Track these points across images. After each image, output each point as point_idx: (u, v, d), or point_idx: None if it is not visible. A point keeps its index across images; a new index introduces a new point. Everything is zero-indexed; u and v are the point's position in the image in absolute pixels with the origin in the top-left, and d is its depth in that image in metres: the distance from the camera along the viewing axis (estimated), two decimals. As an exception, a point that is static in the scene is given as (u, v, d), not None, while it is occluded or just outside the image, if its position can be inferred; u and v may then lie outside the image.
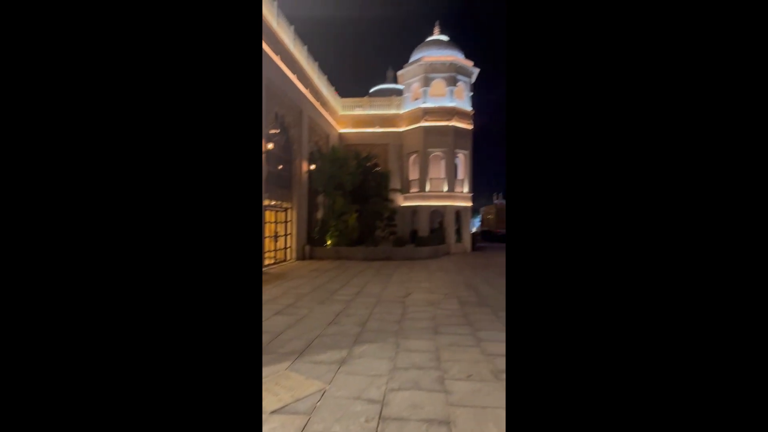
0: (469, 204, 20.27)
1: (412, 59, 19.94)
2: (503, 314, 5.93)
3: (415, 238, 17.85)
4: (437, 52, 19.36)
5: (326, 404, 2.89)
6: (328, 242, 15.36)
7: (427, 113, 19.00)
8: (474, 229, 29.04)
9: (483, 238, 33.11)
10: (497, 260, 15.42)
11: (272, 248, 13.24)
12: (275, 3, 12.75)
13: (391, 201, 18.50)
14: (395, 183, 19.78)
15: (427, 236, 17.83)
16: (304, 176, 15.28)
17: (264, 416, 2.69)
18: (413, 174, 20.13)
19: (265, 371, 3.52)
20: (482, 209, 44.43)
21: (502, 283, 9.30)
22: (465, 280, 9.65)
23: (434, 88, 19.24)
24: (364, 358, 3.91)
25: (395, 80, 22.65)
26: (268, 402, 2.90)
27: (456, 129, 18.93)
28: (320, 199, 16.76)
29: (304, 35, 15.52)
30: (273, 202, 13.29)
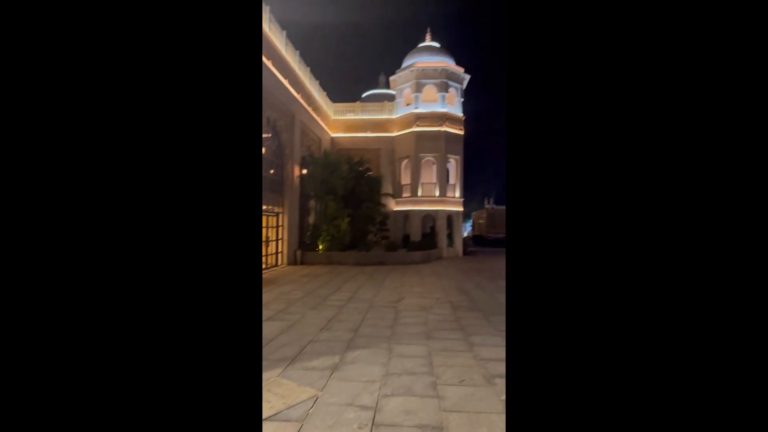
0: (461, 209, 20.38)
1: (404, 65, 20.09)
2: (495, 319, 5.96)
3: (407, 243, 17.87)
4: (429, 58, 19.54)
5: (319, 411, 2.87)
6: (320, 247, 15.29)
7: (419, 118, 19.13)
8: (465, 234, 29.20)
9: (474, 242, 33.29)
10: (488, 265, 15.51)
11: (263, 253, 13.13)
12: (267, 8, 12.77)
13: (384, 205, 18.52)
14: (387, 188, 19.82)
15: (419, 241, 17.86)
16: (296, 181, 15.22)
17: (255, 424, 2.66)
18: (405, 179, 20.19)
19: (257, 378, 3.47)
20: (473, 214, 44.73)
21: (493, 287, 9.35)
22: (457, 285, 9.68)
23: (426, 93, 19.39)
24: (356, 363, 3.89)
25: (387, 85, 22.77)
26: (260, 410, 2.87)
27: (447, 134, 19.08)
28: (312, 203, 16.70)
29: (295, 40, 15.55)
30: (264, 207, 13.21)
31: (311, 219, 16.71)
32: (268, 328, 5.28)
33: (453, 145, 19.41)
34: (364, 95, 25.29)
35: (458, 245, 19.91)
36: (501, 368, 3.77)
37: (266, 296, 7.86)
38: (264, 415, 2.78)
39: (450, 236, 19.65)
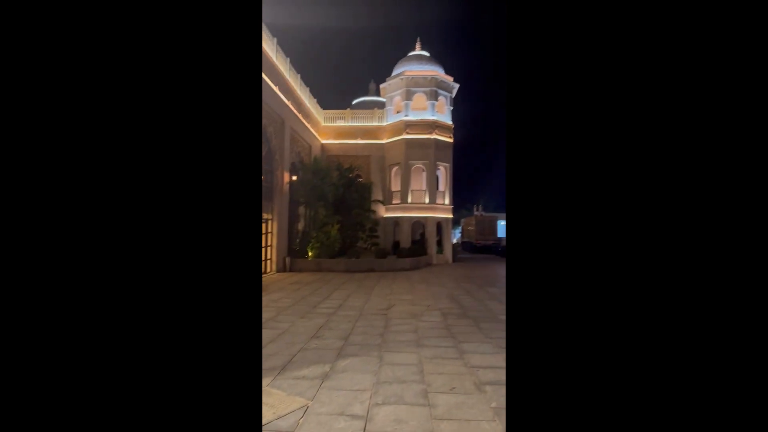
0: (450, 215, 20.52)
1: (394, 73, 20.27)
2: (485, 326, 5.99)
3: (397, 250, 17.87)
4: (419, 66, 19.77)
5: (309, 421, 2.84)
6: (310, 254, 15.19)
7: (409, 126, 19.27)
8: (455, 241, 29.37)
9: (464, 249, 33.48)
10: (478, 272, 15.60)
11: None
12: (258, 15, 12.77)
13: (374, 212, 18.52)
14: (377, 194, 19.85)
15: (409, 247, 17.89)
16: (286, 187, 15.14)
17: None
18: (395, 185, 20.26)
19: (246, 388, 3.42)
20: (463, 221, 45.05)
21: (483, 295, 9.41)
22: (447, 292, 9.71)
23: (416, 101, 19.58)
24: (347, 372, 3.87)
25: (377, 93, 22.93)
26: (249, 420, 2.83)
27: (437, 142, 19.25)
28: (301, 210, 16.61)
29: (285, 47, 15.59)
30: (253, 213, 13.06)
31: (301, 225, 16.60)
32: (256, 337, 5.21)
33: (442, 152, 19.58)
34: (354, 102, 25.39)
35: (448, 252, 19.99)
36: (491, 375, 3.79)
37: (255, 304, 7.75)
38: (253, 426, 2.74)
39: (440, 243, 19.73)
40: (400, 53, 22.58)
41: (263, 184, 13.96)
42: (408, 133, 19.27)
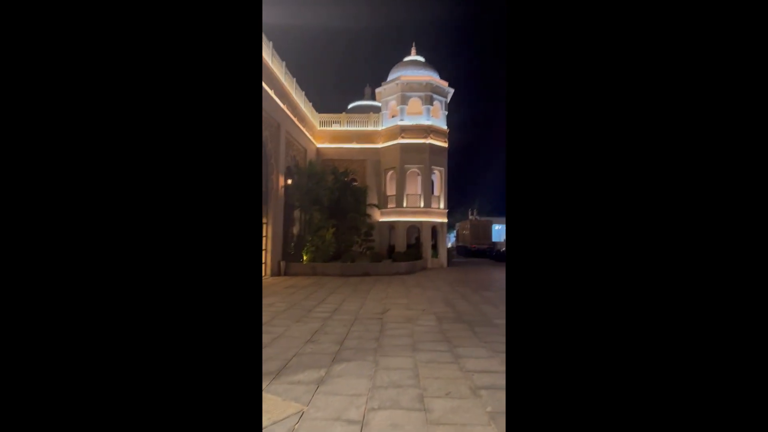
0: (445, 219, 20.58)
1: (389, 78, 20.38)
2: (480, 330, 6.01)
3: (392, 254, 17.88)
4: (414, 72, 19.89)
5: (305, 427, 2.83)
6: (305, 258, 15.14)
7: (404, 130, 19.36)
8: (450, 245, 29.43)
9: (458, 253, 33.56)
10: (473, 276, 15.65)
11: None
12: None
13: (369, 216, 18.51)
14: (373, 198, 19.86)
15: (405, 252, 17.91)
16: (281, 191, 15.11)
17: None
18: (391, 190, 20.30)
19: (241, 393, 3.40)
20: (458, 225, 45.18)
21: (478, 299, 9.44)
22: (442, 296, 9.73)
23: (411, 106, 19.68)
24: (342, 377, 3.86)
25: (373, 97, 23.02)
26: (244, 426, 2.81)
27: (432, 146, 19.35)
28: (296, 214, 16.57)
29: (282, 49, 15.62)
30: (248, 217, 13.01)
31: (296, 229, 16.56)
32: (251, 342, 5.18)
33: (437, 157, 19.68)
34: (349, 106, 25.46)
35: (443, 256, 20.03)
36: (486, 380, 3.81)
37: (249, 308, 7.71)
38: (248, 432, 2.72)
39: (435, 247, 19.78)
40: (395, 56, 22.68)
41: (258, 187, 13.90)
42: (403, 137, 19.35)
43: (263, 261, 14.01)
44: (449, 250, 22.64)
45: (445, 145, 20.12)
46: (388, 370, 4.06)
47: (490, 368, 4.16)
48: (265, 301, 8.71)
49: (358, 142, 20.83)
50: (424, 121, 19.32)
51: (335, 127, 21.04)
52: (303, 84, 18.13)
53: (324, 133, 20.87)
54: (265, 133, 13.99)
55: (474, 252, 31.92)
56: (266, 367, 4.16)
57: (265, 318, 6.79)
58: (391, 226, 19.66)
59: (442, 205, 20.05)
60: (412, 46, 21.34)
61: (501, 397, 3.37)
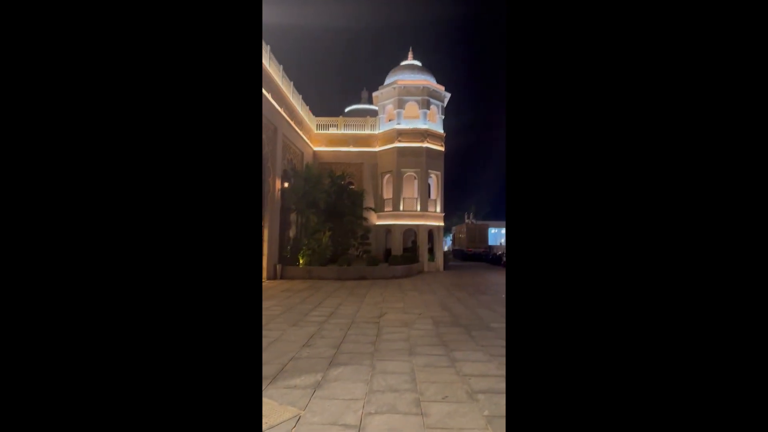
0: (442, 223, 20.62)
1: (386, 82, 20.46)
2: (476, 333, 6.02)
3: (388, 257, 17.86)
4: (411, 76, 19.99)
5: (301, 431, 2.82)
6: (301, 261, 15.08)
7: (401, 134, 19.42)
8: (446, 248, 29.47)
9: (455, 256, 33.59)
10: (469, 279, 15.66)
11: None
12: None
13: (365, 220, 18.52)
14: (369, 202, 19.88)
15: (401, 255, 17.90)
16: (277, 194, 15.07)
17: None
18: (387, 193, 20.32)
19: (237, 398, 3.38)
20: (454, 228, 45.26)
21: (474, 302, 9.45)
22: (438, 300, 9.73)
23: (408, 110, 19.76)
24: (339, 381, 3.85)
25: (370, 101, 23.08)
26: (240, 431, 2.79)
27: (429, 150, 19.42)
28: (293, 217, 16.53)
29: (279, 49, 15.65)
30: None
31: (292, 233, 16.51)
32: (247, 346, 5.15)
33: (434, 160, 19.75)
34: (346, 110, 25.51)
35: (439, 259, 20.04)
36: (483, 384, 3.81)
37: (245, 312, 7.67)
38: (245, 437, 2.71)
39: (431, 250, 19.79)
40: (393, 59, 22.74)
41: (255, 190, 13.86)
42: (400, 141, 19.41)
43: (259, 264, 13.93)
44: (446, 254, 22.66)
45: (442, 148, 20.20)
46: (384, 374, 4.05)
47: (487, 372, 4.17)
48: (261, 304, 8.65)
49: (355, 146, 20.86)
50: (421, 125, 19.40)
51: (332, 131, 21.06)
52: (300, 86, 18.18)
53: (321, 137, 20.88)
54: (262, 137, 13.98)
55: (470, 255, 31.97)
56: (262, 371, 4.14)
57: (261, 322, 6.75)
58: (388, 229, 19.66)
59: (438, 209, 20.09)
60: (409, 51, 21.46)
61: (498, 401, 3.37)
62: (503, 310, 8.31)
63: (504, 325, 6.63)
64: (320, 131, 20.90)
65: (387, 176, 20.28)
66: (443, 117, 20.54)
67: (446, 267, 21.18)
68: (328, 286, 12.15)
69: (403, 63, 21.09)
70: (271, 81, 14.64)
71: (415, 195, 19.47)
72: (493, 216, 47.27)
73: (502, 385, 3.75)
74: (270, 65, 14.52)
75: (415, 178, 19.60)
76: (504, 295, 10.66)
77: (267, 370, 4.18)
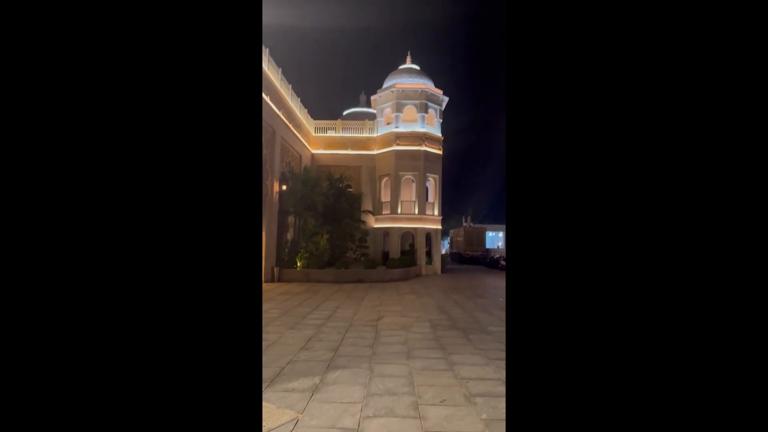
0: (439, 226, 20.65)
1: (385, 85, 20.54)
2: (474, 337, 6.03)
3: (386, 260, 17.86)
4: (409, 79, 20.08)
5: (299, 435, 2.81)
6: (298, 264, 15.06)
7: (399, 138, 19.47)
8: (444, 251, 29.49)
9: (452, 259, 33.61)
10: (466, 283, 15.67)
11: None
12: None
13: (363, 222, 18.52)
14: (367, 205, 19.89)
15: (399, 258, 17.91)
16: (275, 197, 15.07)
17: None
18: (385, 196, 20.34)
19: (234, 401, 3.37)
20: (452, 232, 45.30)
21: (472, 306, 9.46)
22: (436, 303, 9.73)
23: (406, 113, 19.83)
24: (337, 384, 3.85)
25: (368, 104, 23.15)
26: (238, 434, 2.78)
27: (427, 153, 19.48)
28: (291, 220, 16.51)
29: (277, 56, 15.70)
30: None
31: (290, 235, 16.49)
32: (245, 349, 5.13)
33: (432, 164, 19.81)
34: (345, 113, 25.56)
35: (437, 263, 20.06)
36: (481, 387, 3.81)
37: (243, 315, 7.64)
38: (242, 440, 2.70)
39: (429, 254, 19.80)
40: (392, 62, 22.85)
41: (253, 193, 13.84)
42: (398, 144, 19.46)
43: (257, 267, 13.89)
44: (443, 257, 22.68)
45: (440, 152, 20.27)
46: (382, 378, 4.05)
47: (485, 376, 4.17)
48: (258, 307, 8.63)
49: (353, 149, 20.89)
50: (419, 129, 19.46)
51: (330, 134, 21.09)
52: (298, 89, 18.22)
53: (319, 140, 20.91)
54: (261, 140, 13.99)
55: (468, 259, 32.01)
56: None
57: (258, 325, 6.73)
58: (386, 232, 19.67)
59: (436, 212, 20.13)
60: (407, 54, 21.57)
61: (496, 404, 3.38)
62: (501, 313, 8.32)
63: (501, 329, 6.64)
64: (318, 134, 20.93)
65: (385, 179, 20.32)
66: (441, 121, 20.63)
67: (444, 270, 21.18)
68: (325, 289, 12.13)
69: (402, 66, 21.19)
70: (270, 84, 14.68)
71: (413, 198, 19.51)
72: (491, 219, 47.42)
73: (500, 389, 3.76)
74: (269, 68, 14.56)
75: (413, 181, 19.65)
76: (501, 299, 10.68)
77: (265, 373, 4.17)
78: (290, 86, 17.12)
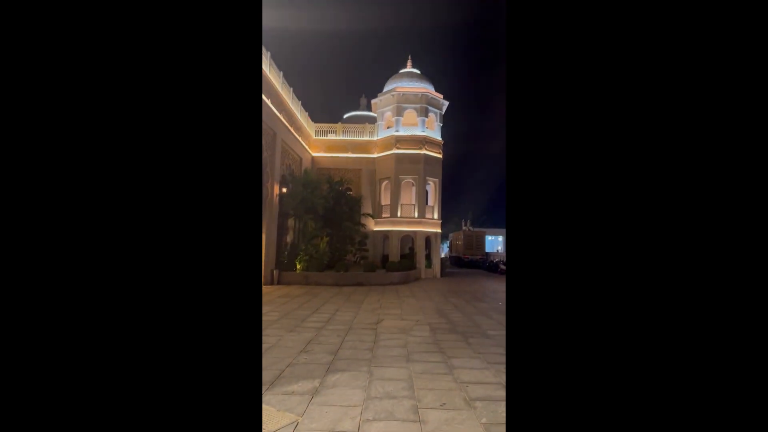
0: (439, 230, 20.67)
1: (385, 89, 20.62)
2: (474, 341, 6.02)
3: (386, 263, 17.86)
4: (409, 83, 20.16)
5: (299, 438, 2.81)
6: (298, 267, 15.05)
7: (400, 141, 19.53)
8: (443, 255, 29.47)
9: (452, 263, 33.57)
10: (466, 286, 15.66)
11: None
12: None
13: (363, 226, 18.53)
14: (367, 208, 19.90)
15: (398, 261, 17.90)
16: (275, 199, 15.08)
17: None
18: (385, 199, 20.37)
19: (234, 404, 3.37)
20: (451, 235, 45.28)
21: (471, 310, 9.45)
22: (436, 307, 9.73)
23: (406, 117, 19.90)
24: (337, 387, 3.84)
25: (368, 107, 23.24)
26: (238, 437, 2.78)
27: (427, 157, 19.53)
28: (290, 222, 16.52)
29: (278, 60, 15.77)
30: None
31: (289, 238, 16.48)
32: (244, 351, 5.12)
33: (432, 167, 19.86)
34: (345, 116, 25.64)
35: (436, 266, 20.06)
36: (481, 391, 3.81)
37: (242, 317, 7.63)
38: (242, 443, 2.70)
39: (428, 257, 19.80)
40: (392, 65, 22.91)
41: (253, 195, 13.84)
42: (398, 148, 19.52)
43: (256, 269, 13.87)
44: (443, 261, 22.67)
45: (440, 156, 20.33)
46: (382, 381, 4.05)
47: (485, 379, 4.17)
48: (257, 310, 8.61)
49: (353, 152, 20.94)
50: (419, 132, 19.53)
51: (331, 137, 21.15)
52: (299, 92, 18.29)
53: (319, 143, 20.96)
54: (262, 142, 14.03)
55: (467, 262, 31.98)
56: (260, 377, 4.12)
57: (258, 327, 6.72)
58: (386, 235, 19.68)
59: (436, 216, 20.15)
60: (408, 59, 21.67)
61: (496, 408, 3.38)
62: (500, 317, 8.32)
63: (501, 333, 6.64)
64: (319, 137, 20.98)
65: (385, 182, 20.35)
66: (441, 125, 20.70)
67: (443, 274, 21.17)
68: (325, 292, 12.11)
69: (402, 70, 21.29)
70: (271, 87, 14.74)
71: (413, 201, 19.54)
72: (491, 223, 47.43)
73: (500, 393, 3.76)
74: (270, 71, 14.62)
75: (413, 184, 19.69)
76: (501, 303, 10.67)
77: (265, 375, 4.16)
78: (291, 89, 17.19)
